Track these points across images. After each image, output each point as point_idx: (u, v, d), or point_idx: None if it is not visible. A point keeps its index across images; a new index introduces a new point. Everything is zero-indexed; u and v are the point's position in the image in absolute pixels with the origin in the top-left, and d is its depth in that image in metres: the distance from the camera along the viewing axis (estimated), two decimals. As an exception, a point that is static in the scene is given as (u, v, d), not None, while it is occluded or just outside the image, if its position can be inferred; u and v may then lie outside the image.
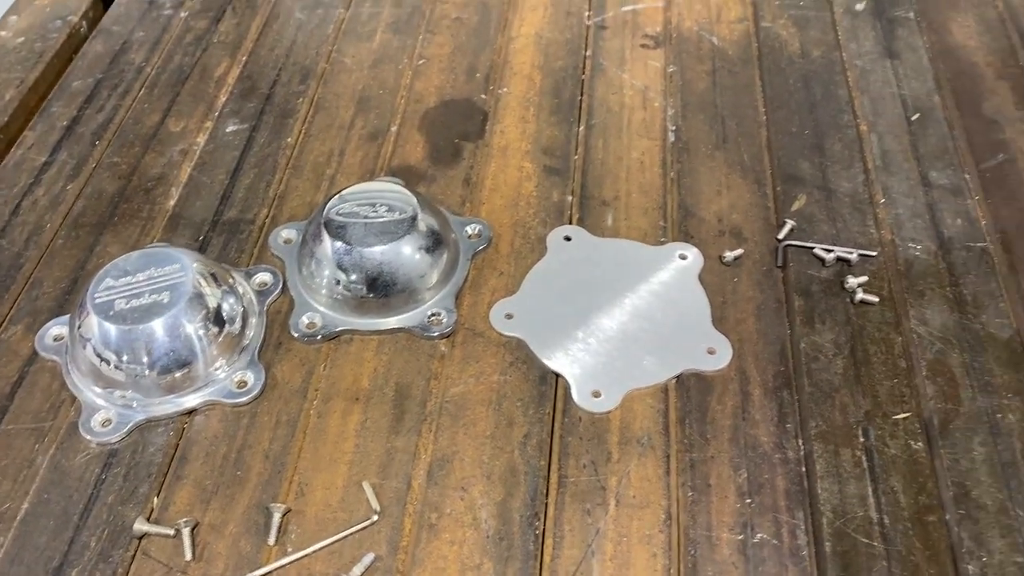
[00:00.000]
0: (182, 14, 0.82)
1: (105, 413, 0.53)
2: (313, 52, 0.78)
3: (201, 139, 0.71)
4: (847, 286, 0.59)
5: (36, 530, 0.49)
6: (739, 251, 0.61)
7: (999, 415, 0.53)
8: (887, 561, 0.47)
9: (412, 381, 0.55)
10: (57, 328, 0.58)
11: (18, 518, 0.49)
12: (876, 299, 0.59)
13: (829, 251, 0.61)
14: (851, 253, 0.61)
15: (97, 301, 0.53)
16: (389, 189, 0.60)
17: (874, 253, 0.61)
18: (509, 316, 0.59)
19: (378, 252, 0.57)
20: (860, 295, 0.59)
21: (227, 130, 0.71)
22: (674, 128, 0.71)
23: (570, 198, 0.66)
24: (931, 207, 0.65)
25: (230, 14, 0.82)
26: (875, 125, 0.71)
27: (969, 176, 0.67)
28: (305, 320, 0.58)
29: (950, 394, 0.54)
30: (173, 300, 0.53)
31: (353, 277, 0.57)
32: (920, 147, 0.69)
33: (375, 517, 0.49)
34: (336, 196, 0.59)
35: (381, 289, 0.57)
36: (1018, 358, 0.56)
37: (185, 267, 0.55)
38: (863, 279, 0.59)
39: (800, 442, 0.52)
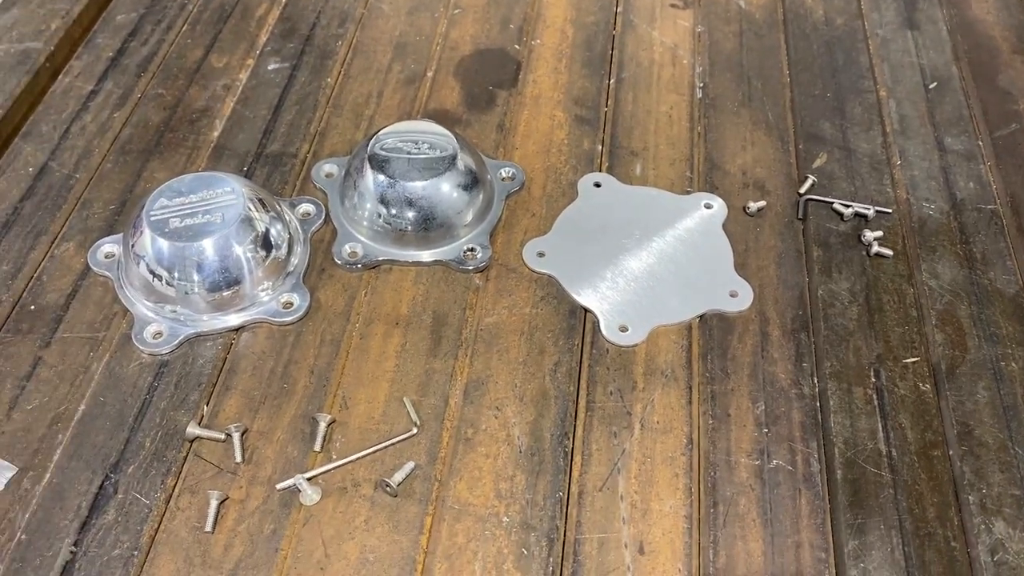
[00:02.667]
0: (223, -45, 0.84)
1: (156, 326, 0.56)
2: (351, -3, 0.80)
3: (243, 75, 0.73)
4: (863, 239, 0.62)
5: (93, 430, 0.52)
6: (762, 203, 0.64)
7: (1003, 363, 0.56)
8: (893, 489, 0.51)
9: (448, 310, 0.58)
10: (108, 246, 0.60)
11: (75, 418, 0.52)
12: (890, 252, 0.62)
13: (847, 206, 0.64)
14: (868, 209, 0.64)
15: (152, 219, 0.56)
16: (431, 128, 0.62)
17: (890, 210, 0.64)
18: (541, 254, 0.61)
19: (419, 187, 0.60)
20: (876, 248, 0.62)
21: (268, 68, 0.73)
22: (701, 85, 0.74)
23: (600, 147, 0.69)
24: (945, 170, 0.68)
25: (270, -43, 0.83)
26: (894, 91, 0.74)
27: (983, 143, 0.70)
28: (347, 249, 0.61)
29: (957, 342, 0.57)
30: (225, 221, 0.56)
31: (394, 210, 0.60)
32: (936, 114, 0.72)
33: (415, 430, 0.52)
34: (380, 132, 0.62)
35: (420, 223, 0.60)
36: (1022, 312, 0.59)
37: (236, 191, 0.57)
38: (879, 233, 0.62)
39: (815, 380, 0.55)
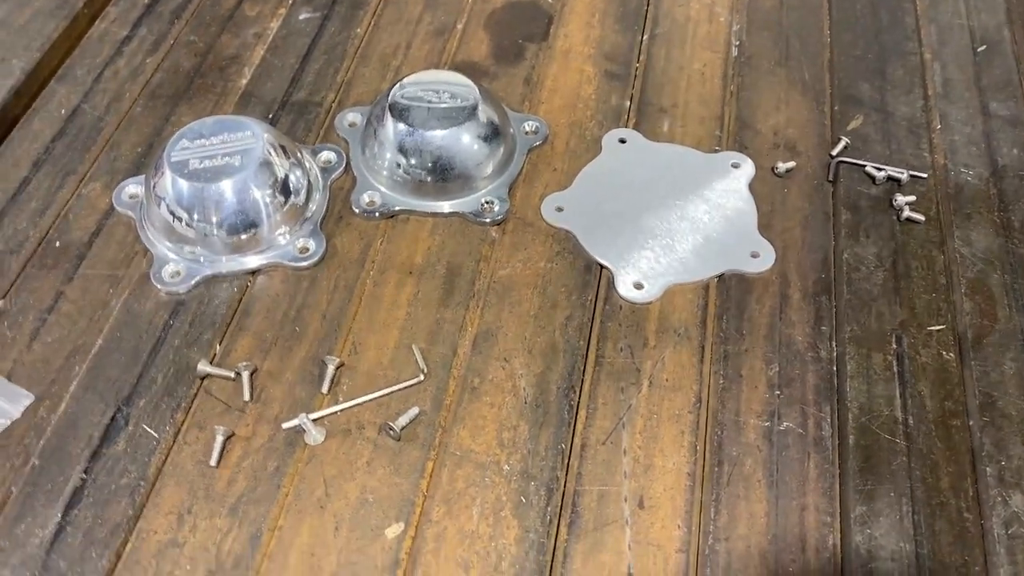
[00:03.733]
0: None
1: (175, 266, 0.57)
2: (386, -51, 0.80)
3: (275, 24, 0.73)
4: (895, 203, 0.60)
5: (108, 364, 0.53)
6: (792, 163, 0.62)
7: (1033, 335, 0.54)
8: (907, 457, 0.49)
9: (463, 261, 0.58)
10: (132, 187, 0.61)
11: (92, 352, 0.53)
12: (922, 218, 0.59)
13: (880, 170, 0.62)
14: (902, 173, 0.62)
15: (173, 160, 0.56)
16: (454, 79, 0.62)
17: (925, 175, 0.62)
18: (559, 209, 0.61)
19: (439, 136, 0.59)
20: (907, 212, 0.59)
21: (300, 17, 0.73)
22: (738, 43, 0.72)
23: (628, 103, 0.67)
24: (988, 136, 0.65)
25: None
26: (939, 54, 0.71)
27: (1031, 109, 0.67)
28: (366, 198, 0.61)
29: (987, 311, 0.55)
30: (244, 164, 0.56)
31: (413, 160, 0.60)
32: (983, 78, 0.69)
33: (422, 377, 0.52)
34: (403, 79, 0.61)
35: (439, 173, 0.60)
36: (1059, 283, 0.57)
37: (257, 135, 0.57)
38: (911, 198, 0.60)
39: (833, 344, 0.54)
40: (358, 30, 0.72)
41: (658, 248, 0.58)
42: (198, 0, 0.75)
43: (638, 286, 0.56)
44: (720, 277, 0.57)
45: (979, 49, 0.71)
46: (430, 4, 0.75)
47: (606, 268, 0.57)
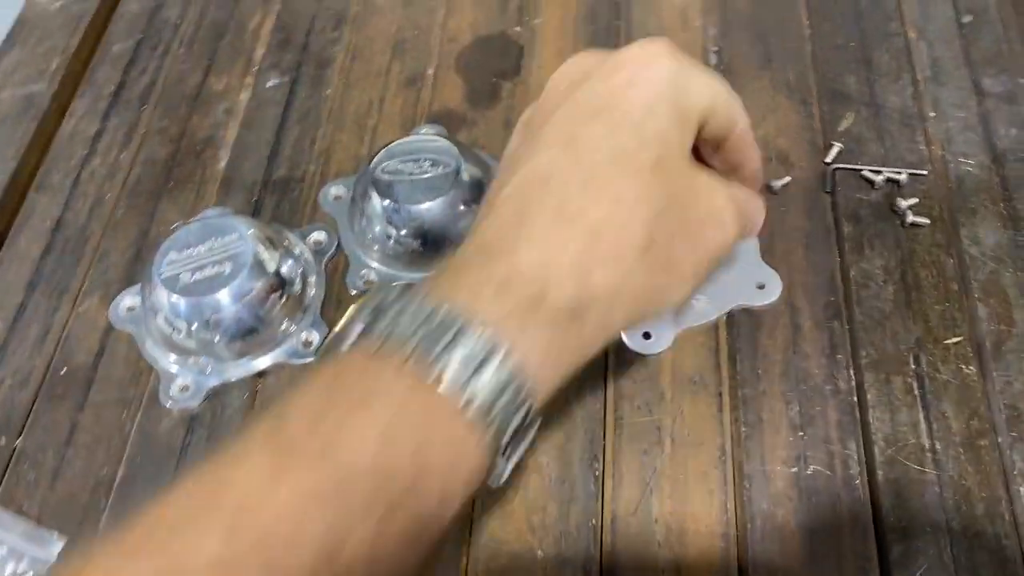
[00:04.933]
0: (211, -36, 0.82)
1: (182, 380, 0.57)
2: (344, -6, 0.78)
3: (244, 96, 0.71)
4: (897, 209, 0.59)
5: (133, 493, 0.53)
6: (787, 179, 0.61)
7: (1053, 334, 0.53)
8: (939, 487, 0.49)
9: (468, 331, 0.57)
10: (129, 299, 0.60)
11: (116, 483, 0.53)
12: (927, 221, 0.58)
13: (878, 172, 0.60)
14: (900, 173, 0.60)
15: (163, 276, 0.56)
16: (432, 142, 0.60)
17: (924, 172, 0.60)
18: (558, 260, 0.60)
19: (425, 209, 0.58)
20: (911, 218, 0.58)
21: (268, 85, 0.72)
22: (715, 50, 0.70)
23: (612, 133, 0.66)
24: (984, 118, 0.63)
25: (258, -40, 0.81)
26: (924, 31, 0.68)
27: (1025, 81, 0.65)
28: (361, 276, 0.60)
29: (1003, 315, 0.54)
30: (235, 270, 0.55)
31: (403, 232, 0.59)
32: (972, 52, 0.67)
33: (443, 467, 0.52)
34: (381, 152, 0.60)
35: (431, 243, 0.59)
36: (1074, 274, 0.55)
37: (243, 235, 0.57)
38: (913, 201, 0.59)
39: (851, 372, 0.53)
40: (328, 91, 0.71)
41: (662, 292, 0.57)
42: (163, 79, 0.74)
43: (647, 336, 0.56)
44: (728, 315, 0.56)
45: (965, 20, 0.69)
46: (397, 52, 0.73)
47: (612, 320, 0.57)
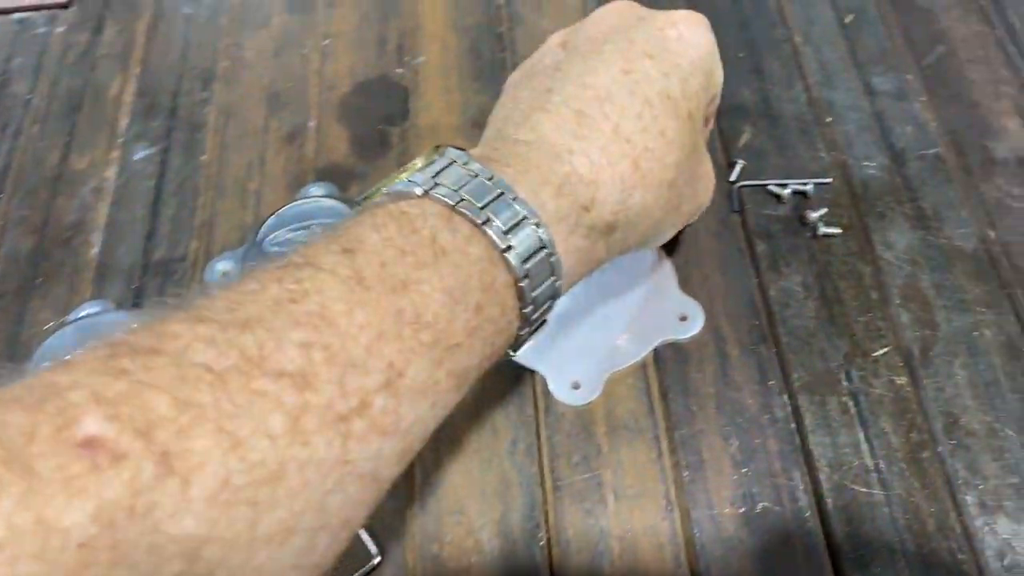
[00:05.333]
0: (58, 30, 0.75)
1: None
2: (210, 49, 0.73)
3: (111, 172, 0.66)
4: (807, 221, 0.58)
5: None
6: (693, 202, 0.59)
7: (975, 333, 0.53)
8: (888, 507, 0.48)
9: (386, 403, 0.54)
10: (4, 416, 0.54)
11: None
12: (839, 230, 0.57)
13: (784, 186, 0.59)
14: (806, 184, 0.59)
15: (39, 389, 0.50)
16: (320, 206, 0.57)
17: (829, 180, 0.60)
18: (472, 314, 0.56)
19: (324, 277, 0.54)
20: (822, 228, 0.57)
21: (136, 157, 0.66)
22: (605, 73, 0.68)
23: (511, 171, 0.63)
24: (878, 117, 0.63)
25: (111, 22, 0.75)
26: (809, 35, 0.68)
27: (912, 76, 0.65)
28: (263, 359, 0.55)
29: (925, 319, 0.54)
30: (120, 373, 0.50)
31: (303, 305, 0.55)
32: (858, 52, 0.67)
33: (376, 560, 0.48)
34: (270, 219, 0.56)
35: (335, 313, 0.55)
36: (984, 269, 0.55)
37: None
38: (823, 211, 0.58)
39: (785, 398, 0.52)
40: (203, 157, 0.66)
41: (583, 337, 0.55)
42: (18, 163, 0.67)
43: (575, 386, 0.53)
44: (655, 351, 0.54)
45: (847, 20, 0.69)
46: (273, 106, 0.68)
47: (537, 372, 0.54)
